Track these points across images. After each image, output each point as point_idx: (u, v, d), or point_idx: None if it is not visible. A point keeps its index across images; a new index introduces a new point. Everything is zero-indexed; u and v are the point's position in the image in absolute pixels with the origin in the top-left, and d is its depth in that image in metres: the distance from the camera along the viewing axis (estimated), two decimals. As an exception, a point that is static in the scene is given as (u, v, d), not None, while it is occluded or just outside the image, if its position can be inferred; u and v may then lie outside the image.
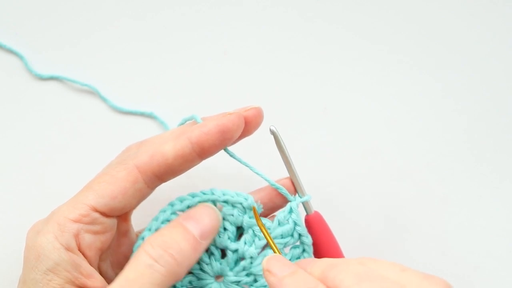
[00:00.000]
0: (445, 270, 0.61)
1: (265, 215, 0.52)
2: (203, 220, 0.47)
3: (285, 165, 0.51)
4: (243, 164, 0.50)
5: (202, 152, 0.46)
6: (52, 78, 0.62)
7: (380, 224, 0.61)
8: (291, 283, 0.40)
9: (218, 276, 0.50)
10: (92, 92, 0.62)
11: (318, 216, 0.52)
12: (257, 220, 0.49)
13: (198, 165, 0.48)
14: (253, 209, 0.49)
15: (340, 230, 0.60)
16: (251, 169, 0.50)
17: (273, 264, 0.43)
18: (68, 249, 0.44)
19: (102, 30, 0.63)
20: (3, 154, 0.60)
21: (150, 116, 0.61)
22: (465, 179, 0.63)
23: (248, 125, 0.48)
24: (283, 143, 0.50)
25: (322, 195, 0.61)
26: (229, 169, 0.53)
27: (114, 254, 0.50)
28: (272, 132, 0.50)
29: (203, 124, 0.47)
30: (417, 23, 0.65)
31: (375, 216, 0.61)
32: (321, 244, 0.51)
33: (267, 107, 0.52)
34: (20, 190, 0.59)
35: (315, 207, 0.53)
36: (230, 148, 0.50)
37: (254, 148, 0.54)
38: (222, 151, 0.49)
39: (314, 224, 0.51)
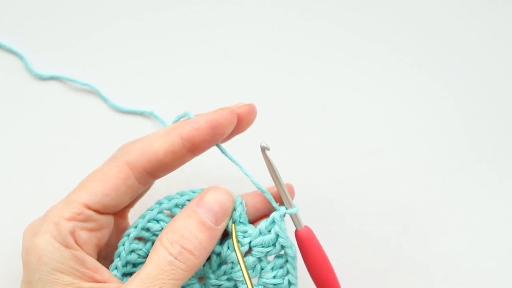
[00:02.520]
0: (445, 270, 0.61)
1: (260, 218, 0.52)
2: (216, 205, 0.47)
3: (273, 179, 0.49)
4: (234, 162, 0.49)
5: (193, 147, 0.47)
6: (52, 78, 0.62)
7: (379, 223, 0.61)
8: None
9: (201, 277, 0.50)
10: (92, 91, 0.62)
11: (307, 232, 0.50)
12: (232, 239, 0.48)
13: (200, 164, 0.48)
14: (232, 226, 0.49)
15: (339, 229, 0.60)
16: (241, 169, 0.49)
17: None
18: (67, 246, 0.44)
19: (102, 30, 0.63)
20: (3, 154, 0.60)
21: (150, 115, 0.61)
22: (465, 179, 0.62)
23: (241, 121, 0.48)
24: (271, 160, 0.48)
25: (321, 195, 0.61)
26: (230, 169, 0.53)
27: (114, 252, 0.50)
28: (262, 149, 0.48)
29: (194, 120, 0.47)
30: (417, 23, 0.65)
31: (374, 216, 0.61)
32: (312, 260, 0.50)
33: (267, 107, 0.52)
34: (20, 190, 0.59)
35: (314, 207, 0.53)
36: (224, 145, 0.50)
37: (254, 149, 0.54)
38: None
39: (303, 240, 0.50)
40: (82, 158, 0.60)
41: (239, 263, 0.47)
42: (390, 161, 0.62)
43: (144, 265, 0.45)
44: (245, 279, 0.47)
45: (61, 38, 0.62)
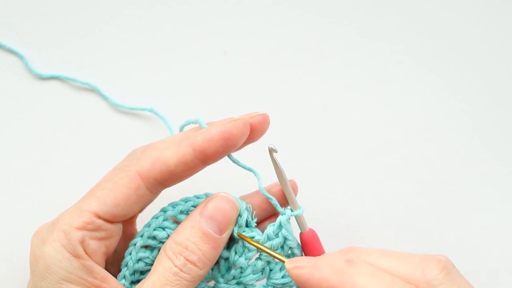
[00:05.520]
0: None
1: (268, 217, 0.52)
2: (219, 214, 0.47)
3: (279, 180, 0.50)
4: (246, 169, 0.49)
5: (205, 159, 0.46)
6: (52, 78, 0.62)
7: (380, 223, 0.61)
8: (324, 263, 0.42)
9: (209, 280, 0.50)
10: (93, 90, 0.62)
11: (312, 234, 0.50)
12: (249, 242, 0.48)
13: (205, 170, 0.48)
14: (239, 236, 0.49)
15: (340, 228, 0.60)
16: (255, 174, 0.49)
17: (298, 260, 0.44)
18: (77, 256, 0.44)
19: (102, 29, 0.63)
20: (4, 154, 0.60)
21: (151, 113, 0.61)
22: (466, 179, 0.63)
23: (253, 131, 0.48)
24: (278, 162, 0.49)
25: (322, 195, 0.61)
26: (233, 169, 0.53)
27: (121, 258, 0.50)
28: (270, 151, 0.48)
29: (207, 130, 0.46)
30: (418, 22, 0.65)
31: (375, 216, 0.61)
32: None
33: (266, 107, 0.52)
34: (21, 190, 0.59)
35: (314, 206, 0.53)
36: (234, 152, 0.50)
37: (261, 152, 0.54)
38: None
39: (308, 244, 0.50)
40: (83, 157, 0.60)
41: (262, 250, 0.48)
42: (391, 161, 0.62)
43: (149, 275, 0.45)
44: (278, 259, 0.47)
45: (61, 37, 0.62)
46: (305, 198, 0.55)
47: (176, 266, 0.45)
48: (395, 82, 0.64)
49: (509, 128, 0.64)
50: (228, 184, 0.58)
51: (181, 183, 0.48)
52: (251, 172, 0.49)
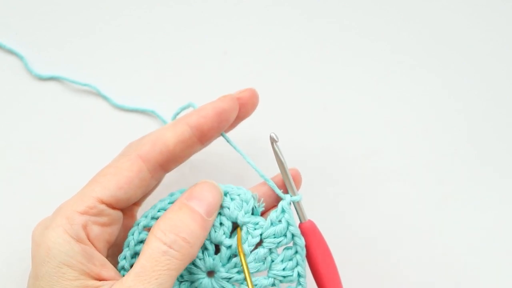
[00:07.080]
0: (445, 271, 0.61)
1: (272, 207, 0.52)
2: (206, 197, 0.47)
3: (279, 168, 0.51)
4: (238, 152, 0.51)
5: (201, 135, 0.48)
6: (52, 78, 0.61)
7: (380, 224, 0.61)
8: None
9: (210, 271, 0.50)
10: (93, 91, 0.62)
11: (311, 225, 0.51)
12: (238, 246, 0.48)
13: (210, 162, 0.48)
14: (237, 231, 0.49)
15: (339, 229, 0.60)
16: (245, 158, 0.50)
17: None
18: (79, 240, 0.44)
19: (102, 29, 0.63)
20: (4, 155, 0.60)
21: (151, 114, 0.61)
22: (466, 180, 0.63)
23: (244, 106, 0.50)
24: (279, 150, 0.50)
25: (322, 195, 0.61)
26: (239, 165, 0.54)
27: (121, 250, 0.50)
28: (271, 138, 0.50)
29: (200, 109, 0.49)
30: (418, 22, 0.65)
31: (375, 216, 0.61)
32: (314, 254, 0.51)
33: (267, 107, 0.52)
34: (21, 191, 0.59)
35: (315, 207, 0.53)
36: (232, 133, 0.51)
37: (253, 146, 0.54)
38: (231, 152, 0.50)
39: (307, 234, 0.51)
40: (83, 158, 0.60)
41: (242, 266, 0.48)
42: (390, 161, 0.62)
43: (138, 259, 0.45)
44: (247, 281, 0.47)
45: (61, 37, 0.62)
46: (304, 198, 0.55)
47: (165, 244, 0.44)
48: (395, 82, 0.64)
49: (509, 128, 0.64)
50: (234, 181, 0.58)
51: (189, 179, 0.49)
52: (254, 166, 0.50)
